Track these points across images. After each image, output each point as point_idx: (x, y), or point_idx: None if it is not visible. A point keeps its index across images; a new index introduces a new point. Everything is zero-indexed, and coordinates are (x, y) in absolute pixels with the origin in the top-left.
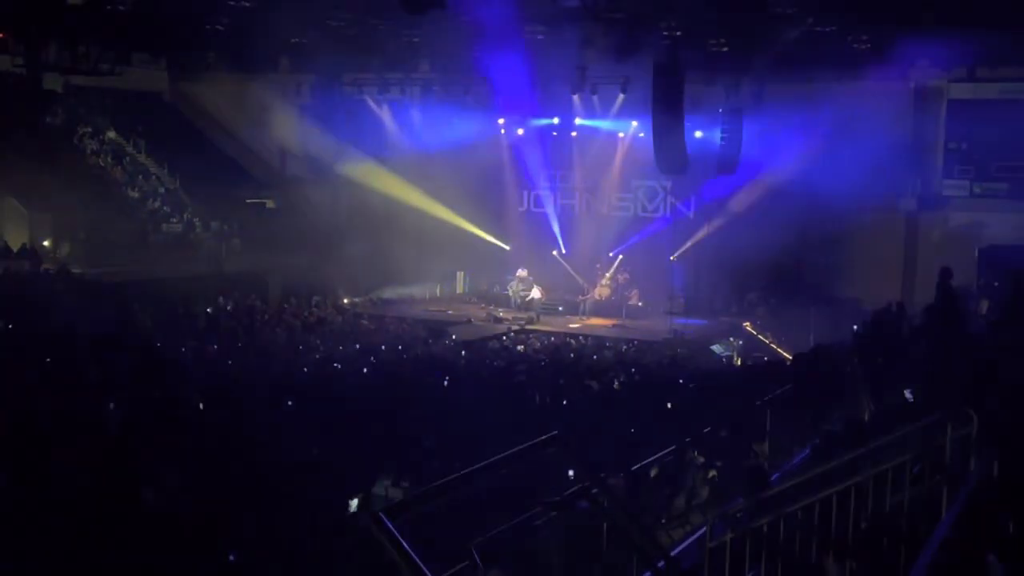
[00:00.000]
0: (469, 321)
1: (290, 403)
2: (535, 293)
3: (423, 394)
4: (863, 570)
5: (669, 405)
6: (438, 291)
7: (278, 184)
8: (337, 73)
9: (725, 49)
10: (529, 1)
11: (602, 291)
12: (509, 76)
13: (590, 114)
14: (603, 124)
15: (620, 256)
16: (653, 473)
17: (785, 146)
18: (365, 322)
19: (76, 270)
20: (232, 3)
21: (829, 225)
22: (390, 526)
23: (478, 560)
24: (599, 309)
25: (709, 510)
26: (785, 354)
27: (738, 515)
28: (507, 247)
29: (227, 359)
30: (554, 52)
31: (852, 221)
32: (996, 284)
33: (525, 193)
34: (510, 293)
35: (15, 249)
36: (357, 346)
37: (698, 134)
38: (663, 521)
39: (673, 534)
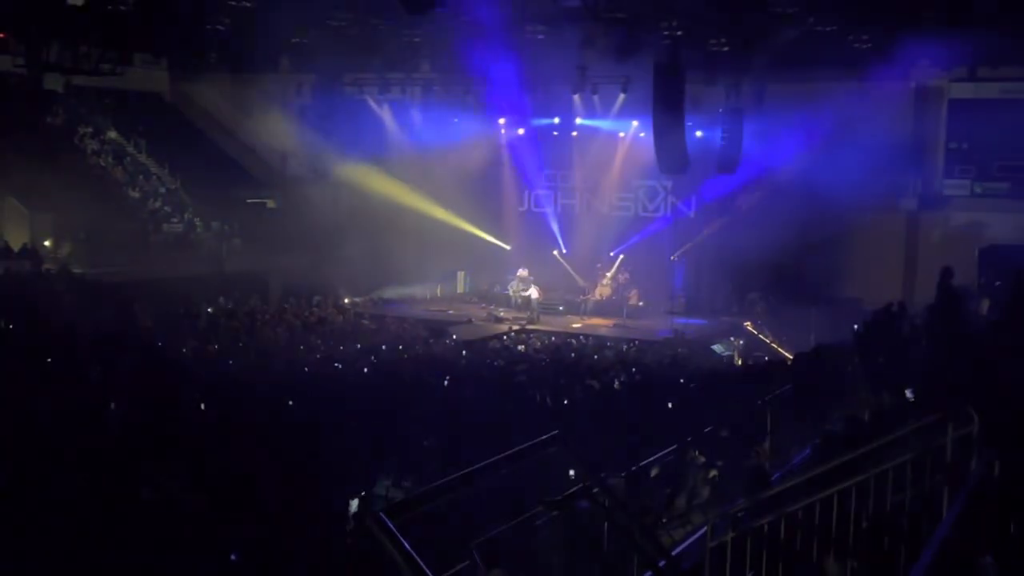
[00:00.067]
0: (470, 321)
1: (291, 403)
2: (533, 293)
3: (424, 394)
4: (864, 570)
5: (670, 405)
6: (439, 291)
7: (279, 184)
8: (338, 73)
9: (726, 49)
10: (530, 1)
11: (603, 291)
12: (510, 76)
13: (591, 114)
14: (604, 124)
15: (621, 256)
16: (654, 473)
17: (786, 146)
18: (366, 322)
19: (77, 270)
20: (233, 3)
21: (830, 225)
22: (391, 526)
23: (479, 560)
24: (600, 309)
25: (710, 510)
26: (786, 354)
27: (739, 515)
28: (507, 247)
29: (228, 359)
30: (555, 52)
31: (853, 221)
32: (998, 284)
33: (525, 193)
34: (510, 293)
35: (16, 249)
36: (358, 346)
37: (699, 134)
38: (664, 521)
39: (674, 534)
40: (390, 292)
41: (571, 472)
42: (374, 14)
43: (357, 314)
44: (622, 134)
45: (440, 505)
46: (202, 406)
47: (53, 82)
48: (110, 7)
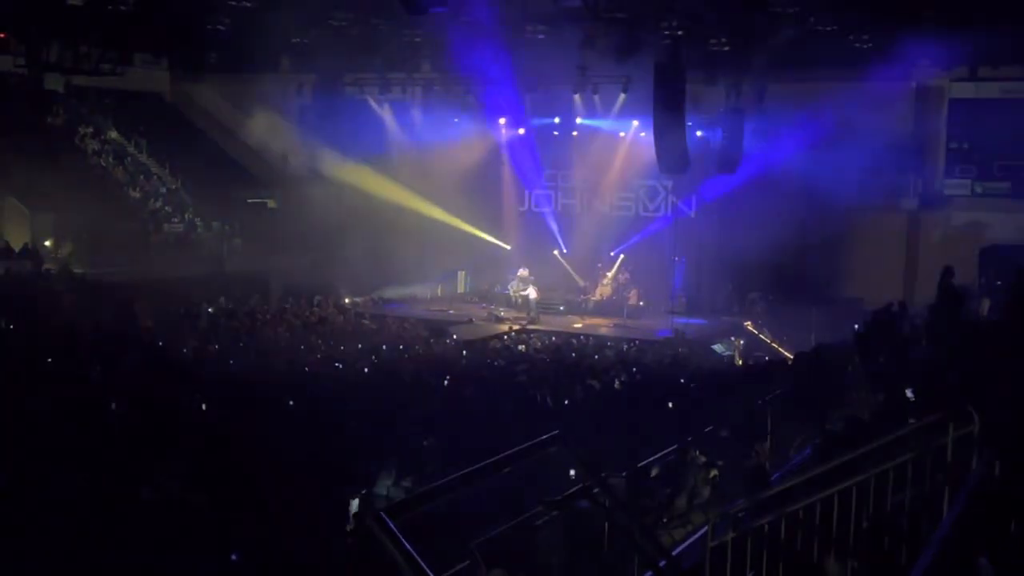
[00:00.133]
0: (470, 321)
1: (291, 403)
2: (531, 292)
3: (424, 394)
4: (864, 570)
5: (670, 405)
6: (439, 291)
7: (279, 184)
8: (338, 73)
9: (726, 49)
10: (530, 1)
11: (603, 290)
12: (510, 76)
13: (591, 114)
14: (604, 124)
15: (622, 256)
16: (654, 473)
17: (786, 145)
18: (366, 322)
19: (77, 270)
20: (233, 3)
21: (830, 224)
22: (391, 526)
23: (479, 560)
24: (600, 309)
25: (710, 510)
26: (786, 353)
27: (739, 515)
28: (508, 247)
29: (228, 359)
30: (555, 52)
31: (853, 220)
32: (998, 283)
33: (526, 193)
34: (511, 293)
35: (17, 249)
36: (359, 346)
37: (699, 133)
38: (664, 521)
39: (674, 534)
40: (391, 292)
41: (571, 472)
42: (374, 14)
43: (358, 314)
44: (622, 134)
45: (440, 505)
46: (203, 406)
47: (54, 82)
48: (110, 7)
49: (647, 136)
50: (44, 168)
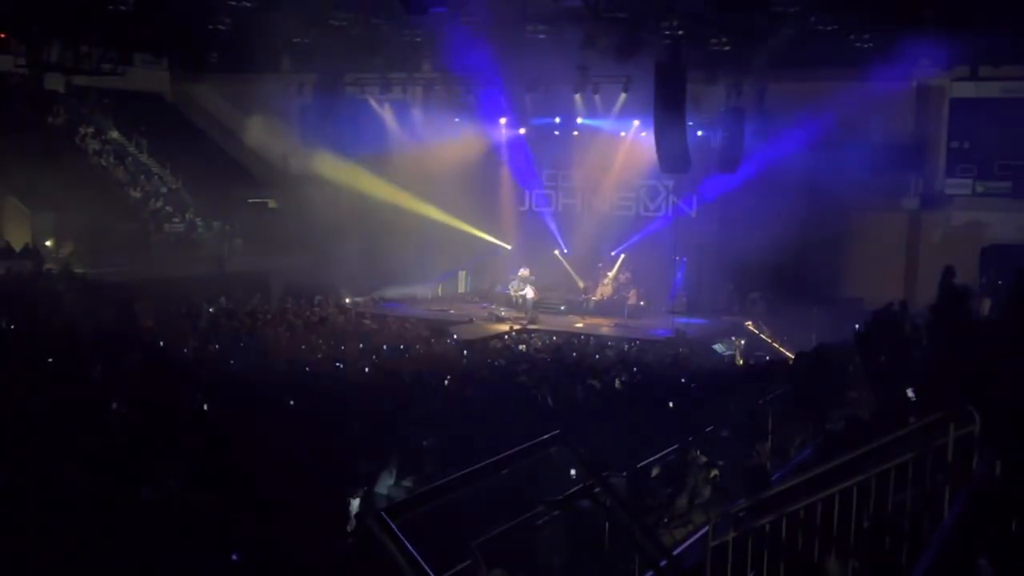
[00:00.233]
0: (471, 321)
1: (292, 402)
2: (528, 292)
3: (425, 393)
4: (865, 569)
5: (671, 404)
6: (440, 290)
7: (280, 184)
8: (338, 73)
9: (727, 48)
10: (530, 0)
11: (604, 290)
12: (510, 76)
13: (592, 114)
14: (605, 124)
15: (623, 255)
16: (655, 472)
17: (787, 145)
18: (367, 321)
19: (78, 270)
20: (234, 3)
21: (831, 224)
22: (392, 525)
23: (480, 559)
24: (601, 308)
25: (711, 509)
26: (787, 353)
27: (740, 514)
28: (508, 247)
29: (229, 359)
30: (556, 52)
31: (854, 220)
32: (1000, 283)
33: (527, 193)
34: (511, 293)
35: (17, 249)
36: (360, 345)
37: (700, 133)
38: (665, 520)
39: (675, 533)
40: (391, 292)
41: (572, 472)
42: (374, 14)
43: (358, 314)
44: (623, 133)
45: (441, 505)
46: (204, 406)
47: (54, 82)
48: (111, 7)
49: (648, 136)
50: (45, 168)
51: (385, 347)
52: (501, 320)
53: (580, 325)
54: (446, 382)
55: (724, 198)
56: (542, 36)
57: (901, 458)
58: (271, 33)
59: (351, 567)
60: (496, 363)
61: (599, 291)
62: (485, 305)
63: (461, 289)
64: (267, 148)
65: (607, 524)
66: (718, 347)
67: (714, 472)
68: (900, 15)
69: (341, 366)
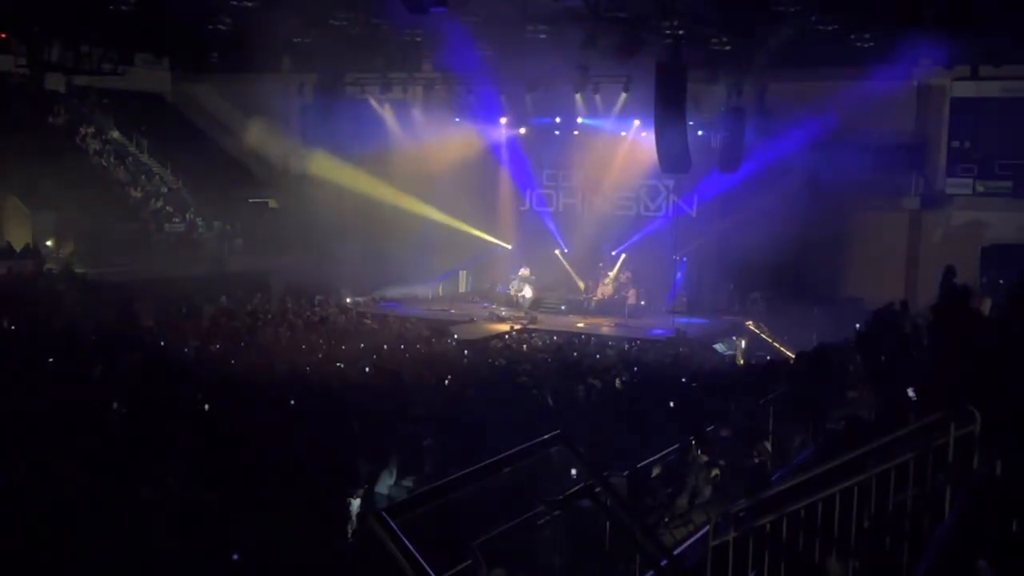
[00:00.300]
0: (471, 320)
1: (292, 402)
2: (526, 292)
3: (425, 393)
4: (866, 569)
5: (671, 404)
6: (440, 290)
7: (280, 184)
8: (339, 73)
9: (727, 48)
10: (531, 1)
11: (605, 290)
12: (511, 75)
13: (592, 113)
14: (605, 123)
15: (623, 255)
16: (655, 472)
17: (787, 144)
18: (368, 321)
19: (79, 270)
20: (234, 3)
21: (832, 223)
22: (393, 525)
23: (480, 559)
24: (602, 308)
25: (712, 509)
26: (788, 353)
27: (741, 514)
28: (509, 247)
29: (230, 359)
30: (556, 51)
31: (855, 219)
32: (1001, 282)
33: (527, 192)
34: (511, 292)
35: (18, 249)
36: (361, 345)
37: (700, 133)
38: (666, 520)
39: (676, 533)
40: (392, 291)
41: (573, 471)
42: (375, 14)
43: (359, 314)
44: (624, 133)
45: (442, 505)
46: (204, 406)
47: (55, 82)
48: (112, 7)
49: (648, 135)
50: (45, 168)
51: (385, 347)
52: (501, 320)
53: (581, 325)
54: (446, 382)
55: (724, 198)
56: (542, 36)
57: (902, 458)
58: (271, 33)
59: (351, 567)
60: (496, 363)
61: (600, 291)
62: (485, 305)
63: (461, 289)
64: (267, 151)
65: (608, 524)
66: (719, 347)
67: (715, 472)
68: (900, 15)
69: (341, 366)
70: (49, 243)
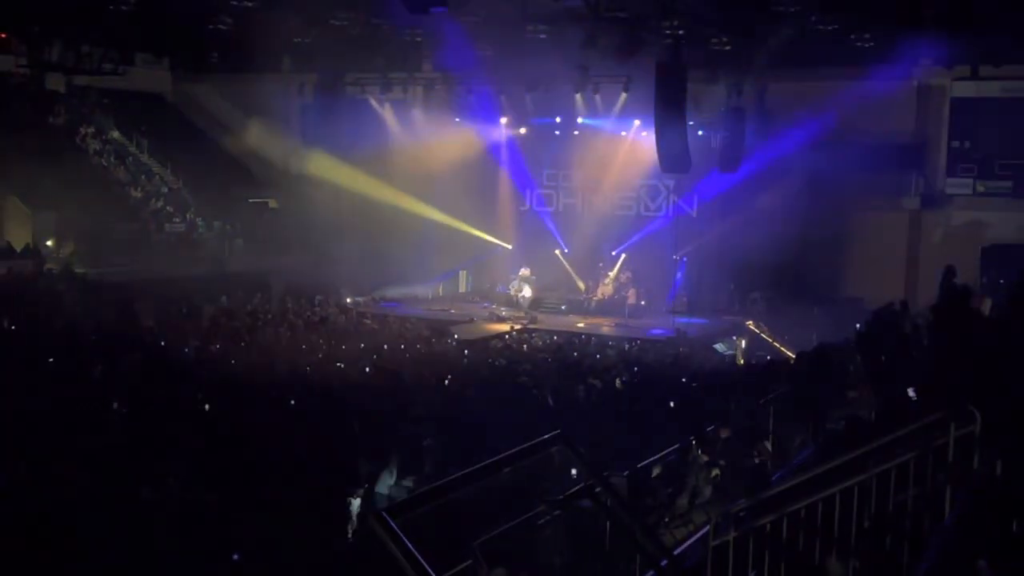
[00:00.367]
0: (472, 320)
1: (293, 402)
2: (525, 291)
3: (425, 393)
4: (866, 569)
5: (672, 404)
6: (440, 290)
7: (280, 184)
8: (339, 73)
9: (727, 48)
10: (531, 0)
11: (605, 290)
12: (511, 75)
13: (592, 113)
14: (605, 123)
15: (624, 255)
16: (656, 472)
17: (787, 144)
18: (368, 321)
19: (79, 270)
20: (235, 3)
21: (832, 223)
22: (393, 525)
23: (481, 559)
24: (602, 308)
25: (712, 509)
26: (788, 353)
27: (741, 514)
28: (509, 246)
29: (230, 359)
30: (556, 51)
31: (855, 219)
32: (1002, 282)
33: (527, 192)
34: (511, 292)
35: (18, 249)
36: (361, 345)
37: (700, 133)
38: (666, 520)
39: (676, 533)
40: (392, 291)
41: (573, 471)
42: (375, 14)
43: (359, 314)
44: (624, 133)
45: (442, 504)
46: (205, 406)
47: (55, 82)
48: (112, 7)
49: (648, 135)
50: (46, 168)
51: (386, 347)
52: (502, 320)
53: (581, 325)
54: (446, 382)
55: (725, 198)
56: (542, 36)
57: (902, 458)
58: (272, 33)
59: (351, 567)
60: (497, 363)
61: (600, 291)
62: (486, 305)
63: (462, 289)
64: (267, 151)
65: (608, 524)
66: (719, 347)
67: (715, 472)
68: (900, 15)
69: (342, 366)
70: (49, 243)
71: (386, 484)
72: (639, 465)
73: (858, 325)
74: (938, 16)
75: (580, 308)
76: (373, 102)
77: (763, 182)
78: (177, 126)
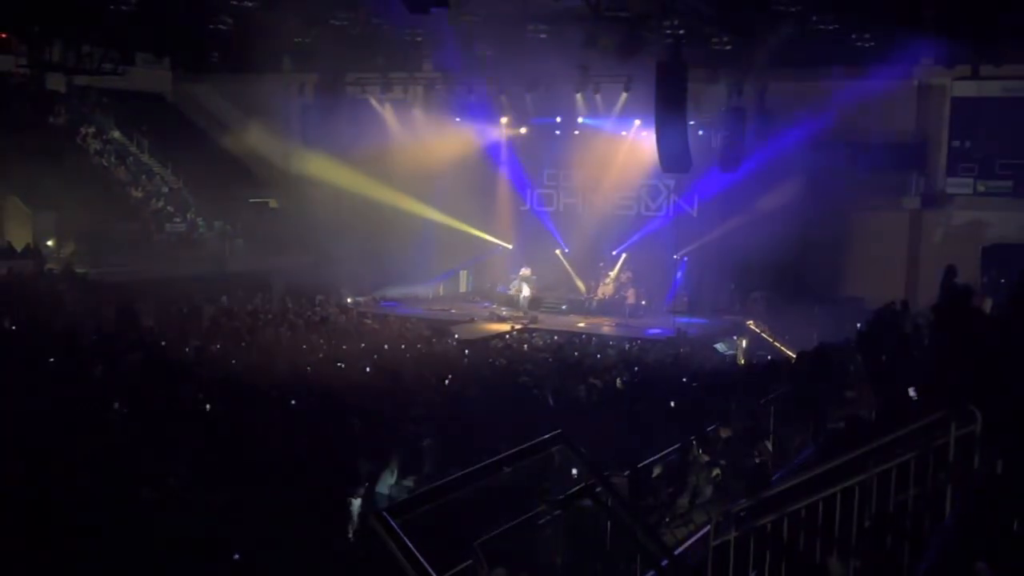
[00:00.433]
0: (472, 320)
1: (293, 402)
2: (524, 291)
3: (425, 393)
4: (867, 569)
5: (672, 404)
6: (441, 290)
7: (281, 184)
8: (340, 73)
9: (728, 47)
10: (531, 0)
11: (605, 289)
12: (511, 75)
13: (593, 113)
14: (606, 123)
15: (624, 255)
16: (656, 472)
17: (788, 144)
18: (368, 321)
19: (79, 270)
20: (235, 3)
21: (832, 223)
22: (394, 525)
23: (482, 559)
24: (603, 308)
25: (713, 509)
26: (788, 352)
27: (742, 514)
28: (509, 246)
29: (230, 359)
30: (557, 51)
31: (855, 219)
32: (1003, 282)
33: (528, 192)
34: (512, 292)
35: (19, 249)
36: (361, 345)
37: (700, 132)
38: (667, 520)
39: (677, 533)
40: (392, 291)
41: (574, 471)
42: (375, 14)
43: (360, 313)
44: (624, 133)
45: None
46: (206, 406)
47: (56, 82)
48: (112, 7)
49: (649, 135)
50: (46, 168)
51: (386, 347)
52: (502, 320)
53: (581, 325)
54: (447, 382)
55: (725, 197)
56: (543, 35)
57: (902, 458)
58: (272, 33)
59: (352, 567)
60: (497, 363)
61: (600, 290)
62: (486, 305)
63: (462, 289)
64: (267, 151)
65: (609, 524)
66: (719, 346)
67: (715, 471)
68: (900, 15)
69: (342, 366)
70: (50, 243)
71: (387, 484)
72: (640, 465)
73: (859, 325)
74: (938, 16)
75: (580, 308)
76: (373, 102)
77: (763, 182)
78: (177, 126)
